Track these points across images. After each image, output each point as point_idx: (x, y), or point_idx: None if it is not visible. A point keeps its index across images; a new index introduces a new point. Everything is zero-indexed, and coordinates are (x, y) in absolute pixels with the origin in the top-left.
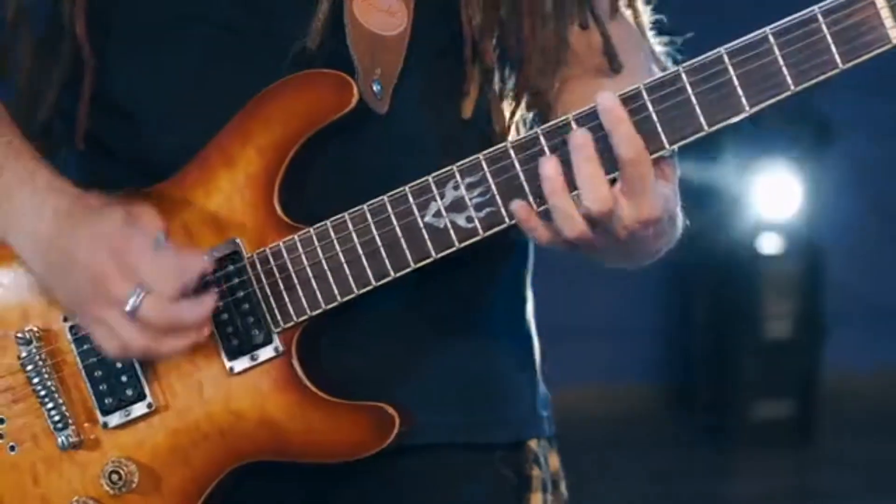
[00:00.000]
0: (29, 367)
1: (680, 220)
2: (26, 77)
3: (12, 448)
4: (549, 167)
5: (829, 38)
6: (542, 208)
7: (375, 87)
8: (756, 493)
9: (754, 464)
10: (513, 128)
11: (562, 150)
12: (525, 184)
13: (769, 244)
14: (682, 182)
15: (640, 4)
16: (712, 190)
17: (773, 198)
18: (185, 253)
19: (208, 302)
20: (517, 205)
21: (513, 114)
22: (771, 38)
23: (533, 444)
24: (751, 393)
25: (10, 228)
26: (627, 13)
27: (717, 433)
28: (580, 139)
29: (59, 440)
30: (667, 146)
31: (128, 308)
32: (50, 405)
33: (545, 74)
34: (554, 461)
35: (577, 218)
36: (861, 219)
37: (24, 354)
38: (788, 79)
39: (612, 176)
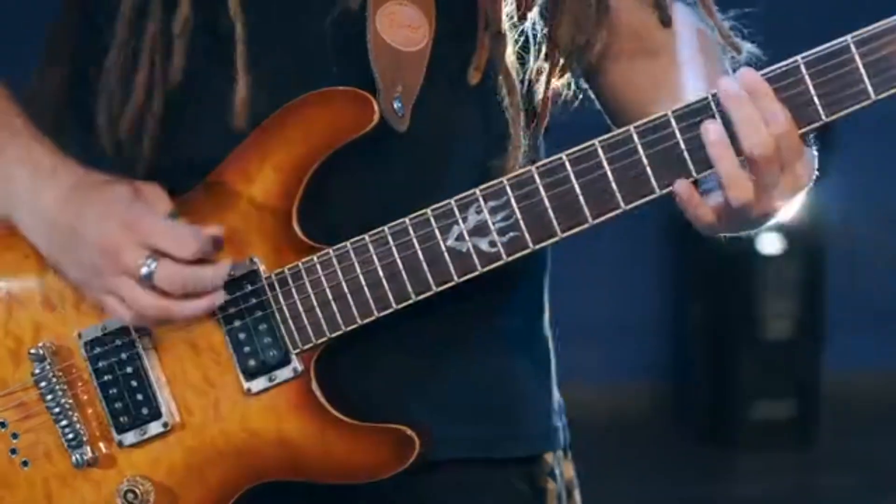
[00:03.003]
0: (42, 384)
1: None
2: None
3: (25, 463)
4: (714, 131)
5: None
6: (702, 174)
7: (396, 105)
8: (756, 494)
9: (754, 464)
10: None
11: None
12: (550, 209)
13: (769, 244)
14: None
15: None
16: None
17: None
18: (195, 226)
19: (223, 266)
20: (680, 184)
21: (548, 83)
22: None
23: (548, 457)
24: (751, 393)
25: (14, 208)
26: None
27: (716, 433)
28: (729, 87)
29: (74, 458)
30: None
31: (143, 273)
32: (64, 423)
33: (582, 28)
34: (568, 470)
35: (746, 180)
36: (861, 219)
37: (37, 371)
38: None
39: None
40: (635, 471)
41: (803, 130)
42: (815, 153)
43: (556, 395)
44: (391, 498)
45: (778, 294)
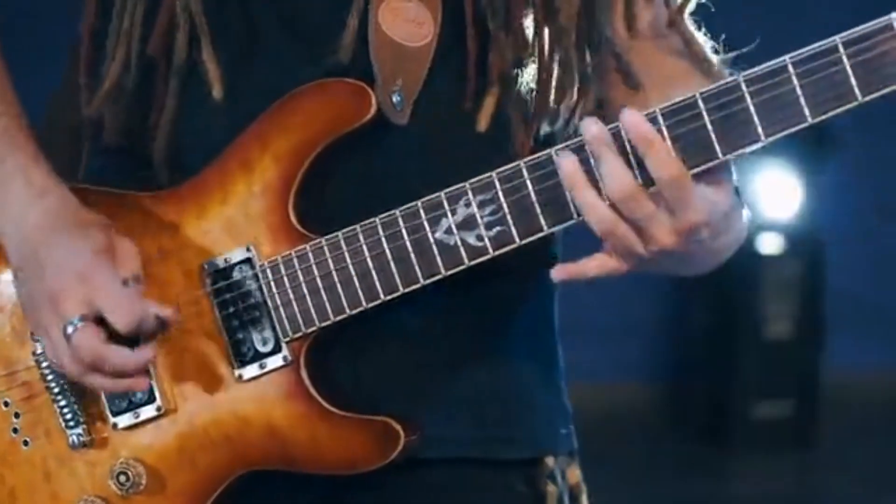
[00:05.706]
0: (44, 364)
1: (740, 213)
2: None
3: (26, 443)
4: (568, 163)
5: (849, 69)
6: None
7: (395, 98)
8: (755, 494)
9: (754, 465)
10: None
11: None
12: (536, 204)
13: (769, 244)
14: None
15: (685, 22)
16: None
17: (773, 198)
18: (150, 301)
19: (144, 354)
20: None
21: (529, 131)
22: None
23: (549, 460)
24: (751, 393)
25: (2, 218)
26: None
27: (716, 433)
28: (594, 129)
29: (70, 438)
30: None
31: (66, 329)
32: (62, 402)
33: (563, 95)
34: (574, 475)
35: (604, 209)
36: (861, 219)
37: (39, 350)
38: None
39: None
40: (635, 470)
41: (695, 170)
42: (716, 196)
43: (565, 401)
44: (388, 494)
45: (778, 294)
